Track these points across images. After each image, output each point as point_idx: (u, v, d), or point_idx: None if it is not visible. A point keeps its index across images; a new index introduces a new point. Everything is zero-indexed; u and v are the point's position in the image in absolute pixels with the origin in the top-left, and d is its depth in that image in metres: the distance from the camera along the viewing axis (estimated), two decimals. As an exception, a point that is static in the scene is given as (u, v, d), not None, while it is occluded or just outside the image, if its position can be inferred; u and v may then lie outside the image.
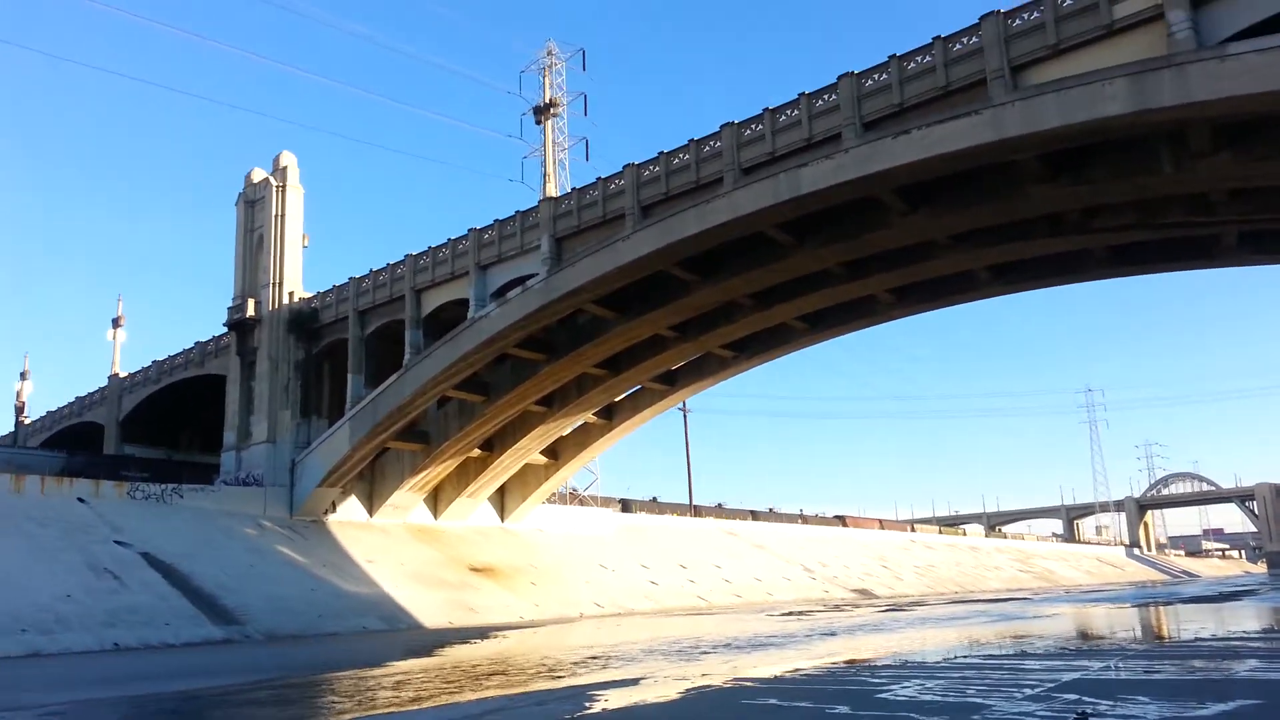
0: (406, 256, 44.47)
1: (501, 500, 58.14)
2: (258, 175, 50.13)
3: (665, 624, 36.25)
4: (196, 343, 56.39)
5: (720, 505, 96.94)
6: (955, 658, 16.42)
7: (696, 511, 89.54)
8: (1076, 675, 12.66)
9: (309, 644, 31.75)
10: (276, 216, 48.72)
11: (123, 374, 63.90)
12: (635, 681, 14.66)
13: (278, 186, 48.95)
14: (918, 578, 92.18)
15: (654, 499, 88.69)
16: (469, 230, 41.51)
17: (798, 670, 15.41)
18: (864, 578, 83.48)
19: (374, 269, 45.88)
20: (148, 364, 61.17)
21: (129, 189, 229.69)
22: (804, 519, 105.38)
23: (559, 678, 16.19)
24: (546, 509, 61.78)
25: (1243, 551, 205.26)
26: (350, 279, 46.95)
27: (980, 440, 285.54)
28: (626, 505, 79.43)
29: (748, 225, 32.29)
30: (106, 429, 63.34)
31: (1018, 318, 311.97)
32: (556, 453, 56.55)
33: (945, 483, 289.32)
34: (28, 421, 74.12)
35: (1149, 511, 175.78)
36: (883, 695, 11.46)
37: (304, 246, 49.67)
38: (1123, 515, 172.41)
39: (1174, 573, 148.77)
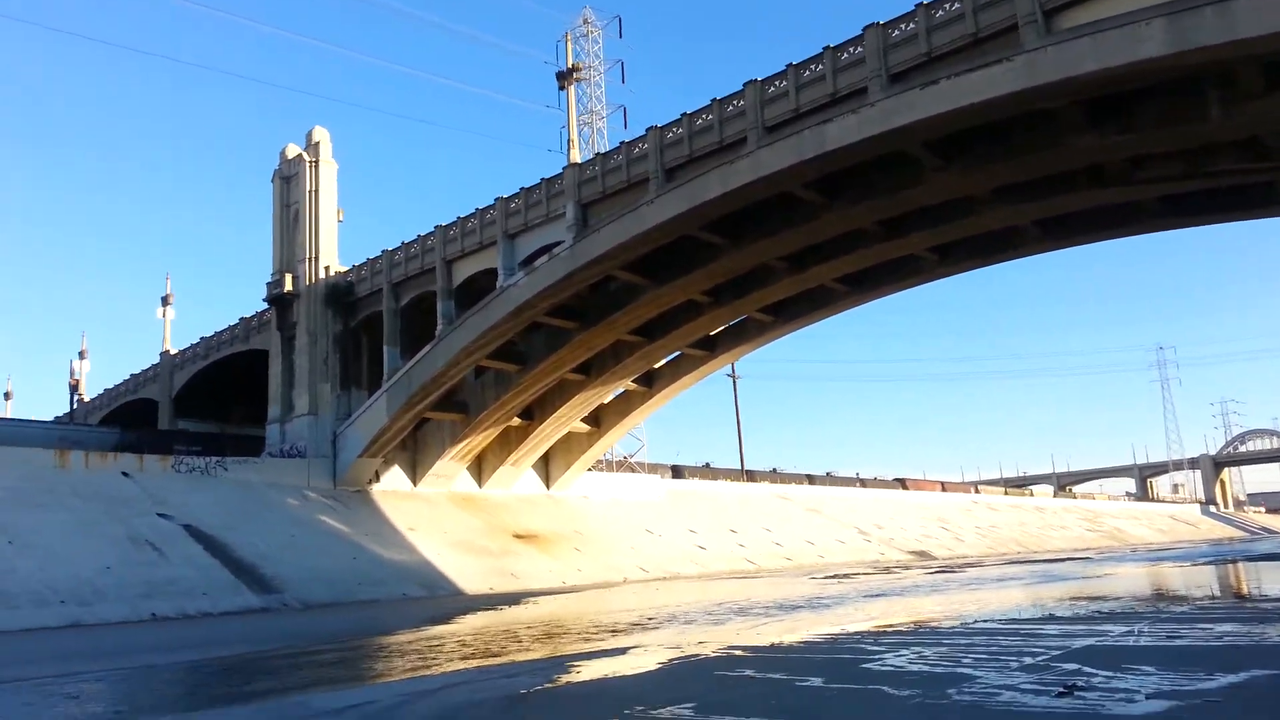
0: (436, 228, 44.16)
1: (546, 468, 58.00)
2: (292, 151, 50.13)
3: (703, 588, 35.65)
4: (240, 319, 57.03)
5: (775, 470, 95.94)
6: (974, 623, 15.49)
7: (750, 476, 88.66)
8: (1091, 642, 11.68)
9: (341, 611, 31.90)
10: (311, 192, 48.72)
11: (173, 351, 65.07)
12: (623, 651, 14.04)
13: (311, 162, 48.89)
14: (979, 539, 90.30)
15: (707, 465, 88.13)
16: (496, 199, 40.99)
17: (802, 639, 14.64)
18: (921, 539, 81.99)
19: (405, 241, 45.72)
20: (196, 341, 62.17)
21: (172, 169, 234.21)
22: (862, 483, 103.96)
23: (556, 646, 15.64)
24: (593, 476, 61.55)
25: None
26: (383, 251, 46.86)
27: (1049, 400, 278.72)
28: (678, 471, 78.95)
29: (773, 185, 31.10)
30: (160, 405, 64.62)
31: (1083, 273, 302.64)
32: (599, 420, 56.13)
33: (1013, 445, 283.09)
34: (87, 399, 76.11)
35: (1226, 469, 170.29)
36: (869, 665, 10.64)
37: (339, 221, 49.66)
38: (1198, 473, 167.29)
39: (1251, 529, 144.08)
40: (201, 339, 61.71)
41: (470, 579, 41.90)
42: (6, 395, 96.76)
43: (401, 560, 42.16)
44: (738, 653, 12.85)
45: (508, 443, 52.67)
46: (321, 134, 49.42)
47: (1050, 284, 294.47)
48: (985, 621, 15.68)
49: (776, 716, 7.76)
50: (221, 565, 36.51)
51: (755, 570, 55.82)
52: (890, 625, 15.97)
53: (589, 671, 11.89)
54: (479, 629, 20.76)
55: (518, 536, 50.10)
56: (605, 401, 54.56)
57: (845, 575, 41.97)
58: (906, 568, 50.74)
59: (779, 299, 44.19)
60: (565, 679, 11.06)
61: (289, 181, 49.86)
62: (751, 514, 71.76)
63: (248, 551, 38.14)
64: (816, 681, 9.60)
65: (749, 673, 10.58)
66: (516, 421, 50.90)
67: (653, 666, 12.03)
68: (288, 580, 36.74)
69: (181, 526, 38.69)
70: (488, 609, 28.91)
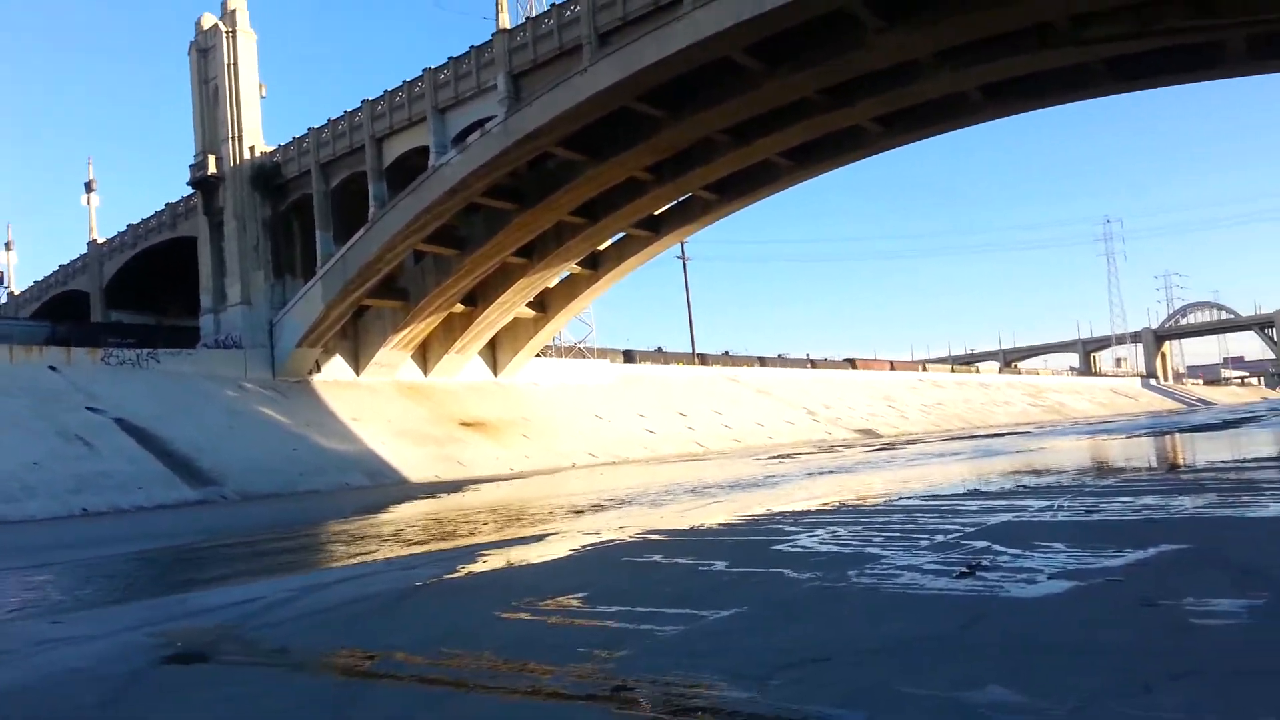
0: (363, 103, 42.05)
1: (493, 355, 57.33)
2: (207, 21, 47.08)
3: (648, 472, 35.68)
4: (167, 204, 54.74)
5: (726, 353, 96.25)
6: (898, 500, 15.31)
7: (701, 360, 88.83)
8: (1008, 518, 11.44)
9: (281, 502, 31.51)
10: (229, 65, 45.97)
11: (100, 240, 62.55)
12: (540, 538, 13.66)
13: (228, 32, 46.00)
14: (923, 416, 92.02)
15: (659, 349, 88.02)
16: (424, 70, 38.89)
17: (724, 521, 14.34)
18: (868, 418, 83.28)
19: (332, 118, 43.52)
20: (124, 229, 59.69)
21: (85, 43, 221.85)
22: (812, 364, 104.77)
23: (475, 534, 15.25)
24: (542, 363, 61.07)
25: (1262, 378, 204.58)
26: (310, 130, 44.70)
27: (997, 277, 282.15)
28: (630, 356, 78.75)
29: (711, 50, 29.67)
30: (91, 297, 62.49)
31: (1028, 146, 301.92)
32: (544, 305, 55.31)
33: (961, 323, 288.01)
34: (17, 293, 73.47)
35: (1167, 342, 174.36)
36: (779, 547, 10.29)
37: (261, 97, 47.11)
38: (1140, 347, 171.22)
39: (1190, 402, 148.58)
40: (129, 226, 59.30)
41: (415, 467, 41.62)
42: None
43: (344, 450, 41.68)
44: (654, 537, 12.49)
45: (451, 330, 51.77)
46: (238, 1, 46.32)
47: (998, 158, 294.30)
48: (909, 499, 15.51)
49: (665, 605, 7.30)
50: (155, 458, 35.74)
51: (704, 453, 56.26)
52: (815, 505, 15.76)
53: (495, 560, 11.46)
54: (408, 519, 20.38)
55: (465, 424, 49.75)
56: (550, 286, 53.64)
57: (789, 455, 42.31)
58: (850, 446, 51.40)
59: (723, 175, 43.09)
60: (467, 569, 10.60)
61: (206, 55, 47.00)
62: (702, 397, 72.06)
63: (183, 444, 37.35)
64: (720, 565, 9.22)
65: (657, 558, 10.17)
66: (460, 308, 49.91)
67: (562, 554, 11.63)
68: (226, 472, 36.12)
69: (113, 420, 37.69)
70: (426, 497, 28.60)
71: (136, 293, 61.36)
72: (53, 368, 40.34)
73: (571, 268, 51.79)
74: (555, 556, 11.46)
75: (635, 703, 4.62)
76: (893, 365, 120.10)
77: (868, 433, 75.86)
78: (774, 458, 40.19)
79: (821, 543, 10.46)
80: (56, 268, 67.89)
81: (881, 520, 12.36)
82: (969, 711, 4.01)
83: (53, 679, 6.26)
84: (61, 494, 30.99)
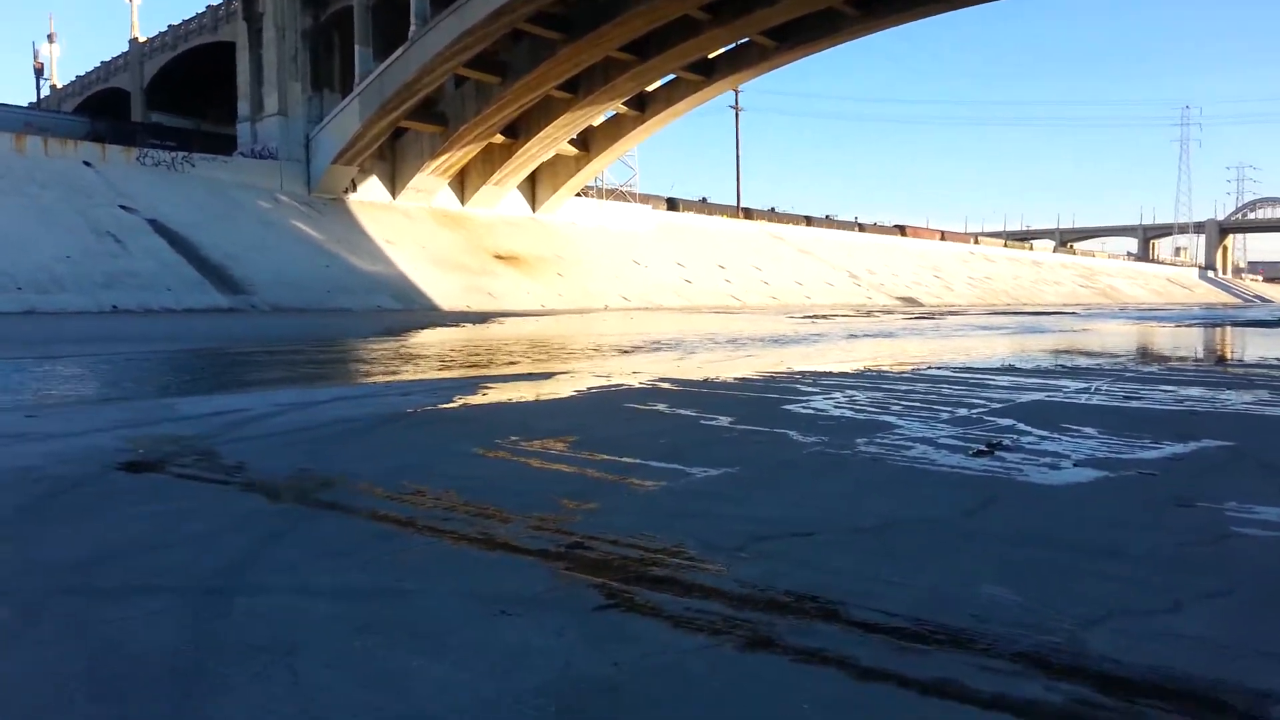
0: (411, -95, 39.53)
1: (533, 190, 56.22)
2: None
3: (679, 320, 35.14)
4: (208, 6, 52.99)
5: (772, 210, 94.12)
6: (926, 369, 14.62)
7: (746, 214, 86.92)
8: (1039, 396, 10.74)
9: (308, 317, 31.50)
10: None
11: (142, 39, 61.13)
12: (549, 376, 13.21)
13: None
14: (969, 289, 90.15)
15: (703, 200, 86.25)
16: (476, -128, 36.27)
17: (741, 375, 13.79)
18: (912, 286, 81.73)
19: (378, -79, 41.11)
20: (164, 29, 58.16)
21: None
22: (860, 227, 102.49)
23: (486, 367, 14.85)
24: (581, 202, 59.88)
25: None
26: (355, -67, 42.32)
27: (1061, 153, 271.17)
28: (672, 204, 77.19)
29: None
30: (132, 96, 61.66)
31: (1108, 21, 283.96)
32: (587, 144, 53.71)
33: (1018, 198, 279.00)
34: (59, 86, 72.61)
35: (1230, 235, 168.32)
36: (790, 407, 9.72)
37: (307, -107, 44.51)
38: (1202, 238, 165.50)
39: (1245, 297, 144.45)
40: (170, 27, 57.83)
41: (446, 295, 41.40)
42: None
43: (376, 271, 41.48)
44: (665, 386, 11.97)
45: (491, 160, 50.57)
46: None
47: (1076, 31, 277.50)
48: (939, 369, 14.81)
49: (653, 457, 6.78)
50: (187, 263, 35.76)
51: (739, 307, 55.57)
52: (839, 367, 15.12)
53: (495, 395, 11.02)
54: (425, 344, 20.07)
55: (499, 257, 49.24)
56: (595, 124, 51.91)
57: (824, 316, 41.51)
58: (889, 313, 50.41)
59: (784, 20, 40.62)
60: (462, 401, 10.17)
61: None
62: (743, 252, 70.74)
63: (215, 251, 37.27)
64: (724, 421, 8.67)
65: (660, 407, 9.65)
66: (500, 139, 48.55)
67: (565, 395, 11.17)
68: (257, 283, 36.12)
69: (145, 220, 37.59)
70: (451, 325, 28.38)
71: (176, 95, 60.40)
72: (87, 163, 40.00)
73: (617, 107, 49.88)
74: (557, 396, 11.00)
75: (587, 564, 4.11)
76: (944, 235, 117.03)
77: (910, 301, 74.51)
78: (808, 317, 39.43)
79: (836, 406, 9.87)
80: (98, 64, 66.74)
81: (904, 388, 11.72)
82: (955, 610, 3.43)
83: (17, 468, 5.92)
84: (92, 289, 31.18)
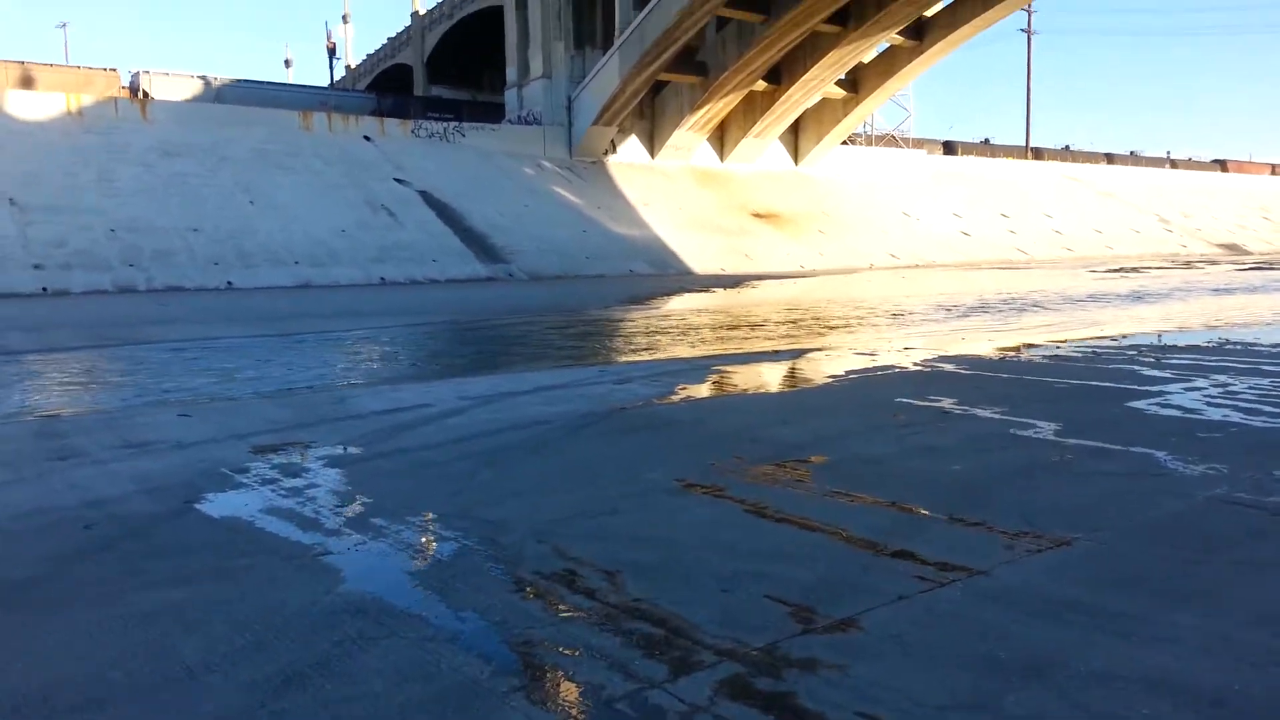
0: None
1: (795, 141, 53.19)
2: None
3: (957, 279, 31.38)
4: (477, -27, 54.01)
5: (1066, 148, 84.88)
6: (1225, 343, 10.90)
7: (1035, 154, 78.76)
8: None
9: (564, 284, 30.89)
10: None
11: (421, 12, 63.74)
12: (800, 354, 10.90)
13: None
14: (1310, 233, 76.91)
15: (985, 140, 79.17)
16: None
17: (1047, 353, 10.88)
18: (1235, 231, 70.73)
19: None
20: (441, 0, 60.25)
21: None
22: (1172, 164, 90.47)
23: (728, 341, 12.79)
24: (848, 151, 56.07)
25: None
26: (611, -119, 41.01)
27: None
28: (949, 147, 71.17)
29: None
30: (415, 70, 64.62)
31: None
32: (856, 84, 49.81)
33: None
34: (354, 65, 77.78)
35: None
36: (1138, 404, 6.95)
37: None
38: None
39: None
40: (444, -1, 59.75)
41: (701, 258, 39.80)
42: (287, 63, 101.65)
43: (632, 235, 40.55)
44: (948, 368, 9.36)
45: (752, 111, 48.14)
46: None
47: None
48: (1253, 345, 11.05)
49: (938, 506, 4.44)
50: (453, 233, 36.37)
51: (1026, 261, 49.92)
52: (1183, 339, 11.67)
53: (726, 384, 8.90)
54: (666, 315, 18.32)
55: (757, 215, 46.94)
56: (865, 61, 47.96)
57: (1134, 270, 35.88)
58: (1213, 263, 43.17)
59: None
60: (685, 394, 8.14)
61: None
62: (1031, 198, 63.87)
63: (479, 220, 37.73)
64: (1044, 429, 6.08)
65: (946, 404, 7.15)
66: (761, 85, 45.93)
67: (815, 382, 8.85)
68: (517, 251, 36.18)
69: (417, 192, 38.65)
70: (700, 291, 26.60)
71: (455, 67, 62.66)
72: (367, 137, 41.76)
73: (891, 38, 45.57)
74: (806, 385, 8.72)
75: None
76: (1274, 170, 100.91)
77: (1233, 248, 64.40)
78: (1114, 271, 34.14)
79: (1209, 402, 6.93)
80: (384, 41, 70.60)
81: (1189, 362, 8.41)
82: None
83: (89, 501, 4.62)
84: (364, 262, 32.21)
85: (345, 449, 5.87)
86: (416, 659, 2.76)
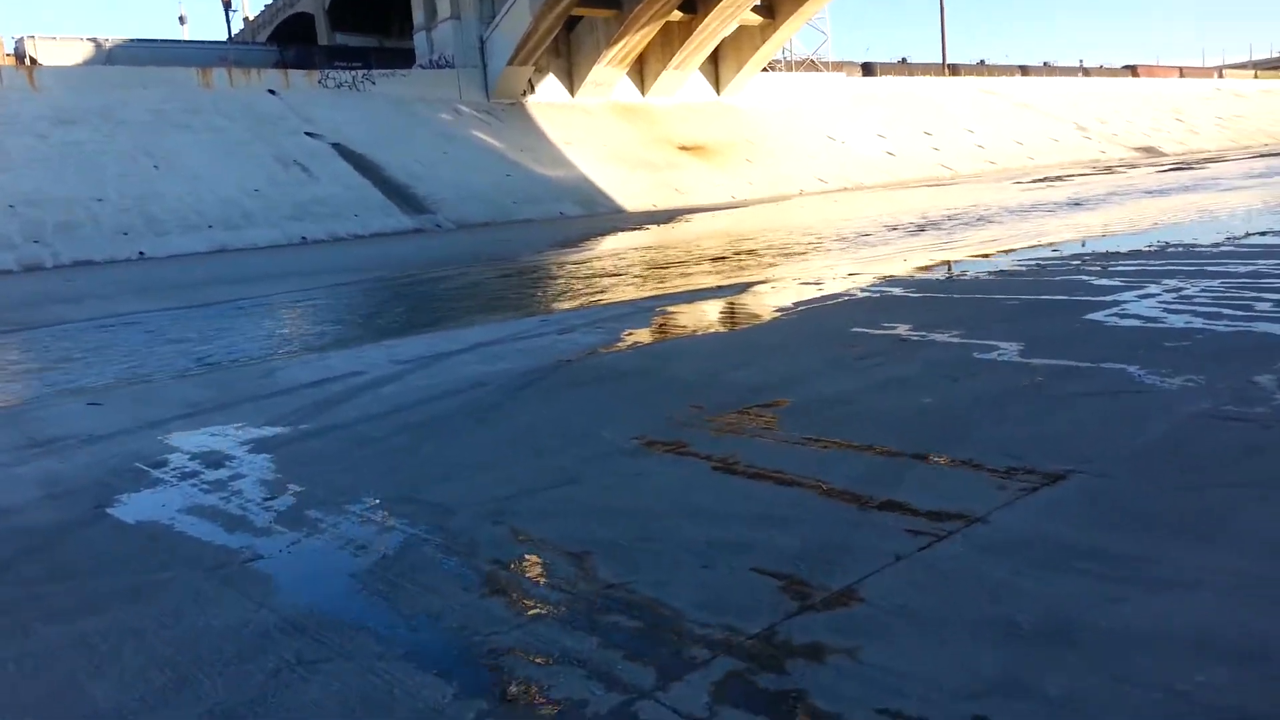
0: None
1: (715, 71, 52.42)
2: None
3: (887, 199, 31.32)
4: (373, -87, 51.59)
5: (981, 63, 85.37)
6: (1243, 238, 10.92)
7: (952, 71, 79.11)
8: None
9: (492, 231, 30.13)
10: None
11: (317, -41, 60.95)
12: (743, 289, 10.58)
13: None
14: (1220, 131, 78.80)
15: (903, 60, 79.14)
16: None
17: (991, 266, 10.76)
18: (1150, 134, 72.10)
19: None
20: (336, -55, 57.55)
21: None
22: (1085, 72, 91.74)
23: (664, 281, 12.43)
24: (768, 78, 55.50)
25: None
26: None
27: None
28: (868, 69, 70.96)
29: None
30: (316, 18, 61.97)
31: None
32: (773, 9, 49.08)
33: (1269, 19, 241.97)
34: (251, 19, 74.36)
35: None
36: (1096, 316, 6.78)
37: None
38: None
39: None
40: (341, -58, 57.05)
41: (630, 195, 39.18)
42: (181, 20, 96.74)
43: (558, 176, 39.67)
44: (896, 292, 9.14)
45: (670, 43, 47.18)
46: None
47: None
48: (1263, 235, 11.11)
49: (915, 443, 4.19)
50: (372, 185, 35.15)
51: (952, 177, 50.21)
52: (1122, 245, 11.62)
53: (673, 325, 8.56)
54: (600, 255, 17.87)
55: (683, 149, 46.29)
56: (779, -14, 47.26)
57: (1057, 178, 36.24)
58: (1133, 166, 43.86)
59: None
60: (632, 339, 7.77)
61: None
62: (951, 114, 64.13)
63: (398, 171, 36.51)
64: (1008, 350, 5.87)
65: (902, 330, 6.92)
66: (678, 15, 44.96)
67: (764, 317, 8.55)
68: (441, 200, 35.16)
69: (330, 145, 37.19)
70: (633, 229, 26.09)
71: (359, 13, 60.18)
72: (271, 91, 39.94)
73: (804, -39, 44.90)
74: (756, 321, 8.42)
75: None
76: (1182, 72, 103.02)
77: (1149, 150, 65.69)
78: (1038, 181, 34.42)
79: (1165, 309, 6.81)
80: (282, -10, 67.48)
81: (1244, 269, 8.36)
82: None
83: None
84: (280, 221, 30.97)
85: (272, 430, 5.41)
86: (366, 687, 2.39)
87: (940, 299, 8.46)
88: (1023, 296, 8.05)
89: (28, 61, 38.14)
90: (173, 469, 4.71)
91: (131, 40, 42.32)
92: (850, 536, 3.13)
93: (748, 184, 43.65)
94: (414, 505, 3.83)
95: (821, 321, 7.78)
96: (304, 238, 30.22)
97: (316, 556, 3.37)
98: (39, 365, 9.15)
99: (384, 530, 3.58)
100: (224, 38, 70.88)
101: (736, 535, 3.21)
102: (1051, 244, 12.25)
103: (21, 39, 39.45)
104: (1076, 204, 20.38)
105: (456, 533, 3.46)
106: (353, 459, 4.64)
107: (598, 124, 45.81)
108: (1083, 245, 11.89)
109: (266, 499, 4.10)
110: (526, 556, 3.19)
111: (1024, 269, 9.98)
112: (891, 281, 9.84)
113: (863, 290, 9.32)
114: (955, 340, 6.33)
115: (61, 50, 39.83)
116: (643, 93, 49.71)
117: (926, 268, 10.90)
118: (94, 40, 41.33)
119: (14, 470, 4.90)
